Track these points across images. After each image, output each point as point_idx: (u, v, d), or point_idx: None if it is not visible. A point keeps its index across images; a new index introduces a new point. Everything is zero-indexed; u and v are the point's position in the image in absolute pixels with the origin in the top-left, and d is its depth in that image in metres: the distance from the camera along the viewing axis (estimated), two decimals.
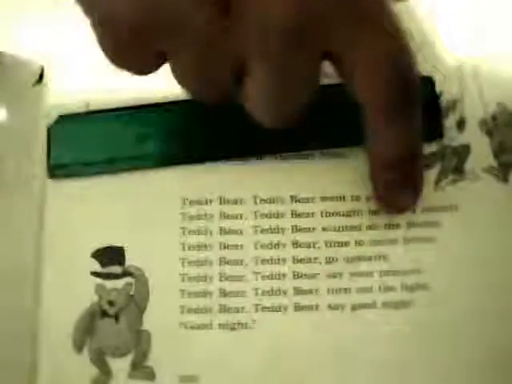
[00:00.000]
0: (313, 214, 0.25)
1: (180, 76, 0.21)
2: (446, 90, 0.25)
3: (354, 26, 0.20)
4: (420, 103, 0.22)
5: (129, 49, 0.20)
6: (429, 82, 0.25)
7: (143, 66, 0.21)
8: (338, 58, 0.21)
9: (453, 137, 0.25)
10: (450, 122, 0.25)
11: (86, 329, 0.24)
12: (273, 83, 0.20)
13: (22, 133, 0.26)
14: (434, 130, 0.25)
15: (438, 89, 0.25)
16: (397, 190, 0.24)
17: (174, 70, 0.21)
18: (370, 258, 0.24)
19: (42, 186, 0.25)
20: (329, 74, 0.26)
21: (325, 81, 0.26)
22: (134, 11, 0.19)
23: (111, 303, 0.24)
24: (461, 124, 0.25)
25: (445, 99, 0.25)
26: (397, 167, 0.23)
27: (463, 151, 0.25)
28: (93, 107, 0.26)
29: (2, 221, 0.25)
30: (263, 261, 0.24)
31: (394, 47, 0.20)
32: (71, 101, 0.26)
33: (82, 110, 0.26)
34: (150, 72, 0.21)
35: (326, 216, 0.25)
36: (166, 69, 0.21)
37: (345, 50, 0.20)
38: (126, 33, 0.19)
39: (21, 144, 0.26)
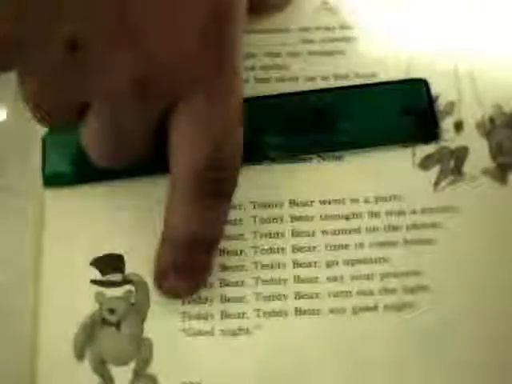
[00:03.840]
0: (312, 217, 0.25)
1: (24, 92, 0.21)
2: (444, 92, 0.26)
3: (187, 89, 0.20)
4: (231, 194, 0.22)
5: None
6: (424, 84, 0.25)
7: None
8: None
9: (451, 138, 0.25)
10: (447, 123, 0.25)
11: (87, 337, 0.24)
12: (108, 125, 0.21)
13: (22, 133, 0.25)
14: (430, 132, 0.25)
15: (435, 91, 0.26)
16: (174, 273, 0.23)
17: (20, 85, 0.21)
18: (370, 261, 0.24)
19: (42, 187, 0.25)
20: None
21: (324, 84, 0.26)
22: None
23: (112, 311, 0.24)
24: (458, 126, 0.25)
25: (442, 101, 0.26)
26: (183, 249, 0.23)
27: (461, 153, 0.25)
28: None
29: (1, 223, 0.25)
30: (263, 266, 0.24)
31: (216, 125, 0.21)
32: None
33: None
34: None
35: (326, 219, 0.25)
36: None
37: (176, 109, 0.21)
38: None
39: (21, 144, 0.26)
